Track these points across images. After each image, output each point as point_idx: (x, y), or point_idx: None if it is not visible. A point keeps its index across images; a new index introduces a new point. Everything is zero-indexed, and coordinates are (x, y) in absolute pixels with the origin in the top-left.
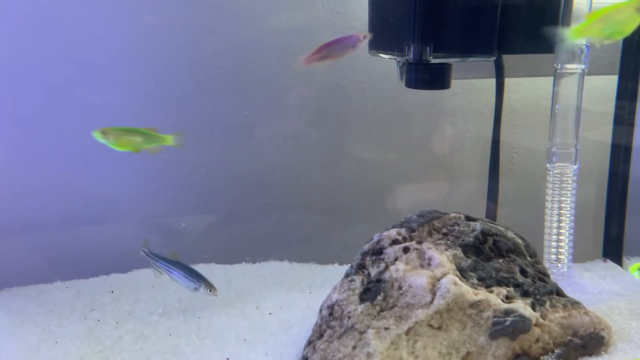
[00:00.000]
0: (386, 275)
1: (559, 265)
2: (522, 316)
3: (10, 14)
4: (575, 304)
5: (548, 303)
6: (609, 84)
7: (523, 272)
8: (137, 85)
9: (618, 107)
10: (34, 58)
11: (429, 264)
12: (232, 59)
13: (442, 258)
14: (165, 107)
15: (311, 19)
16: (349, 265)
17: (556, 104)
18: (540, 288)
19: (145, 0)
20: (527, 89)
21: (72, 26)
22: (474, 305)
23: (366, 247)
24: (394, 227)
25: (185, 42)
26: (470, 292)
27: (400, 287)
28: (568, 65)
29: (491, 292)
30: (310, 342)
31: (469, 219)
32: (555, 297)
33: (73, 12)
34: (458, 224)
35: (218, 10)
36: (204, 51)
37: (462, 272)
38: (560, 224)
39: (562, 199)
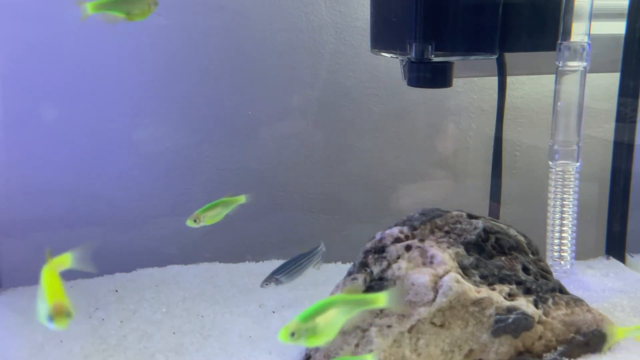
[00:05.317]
0: (389, 273)
1: (562, 262)
2: (524, 314)
3: (15, 13)
4: (577, 301)
5: (550, 300)
6: (611, 81)
7: (525, 270)
8: (143, 85)
9: (620, 105)
10: (40, 57)
11: (431, 262)
12: (235, 58)
13: (445, 256)
14: (169, 107)
15: (314, 18)
16: (352, 263)
17: (558, 101)
18: (543, 285)
19: None
20: (529, 86)
21: (78, 26)
22: (477, 302)
23: (368, 245)
24: (396, 225)
25: (188, 43)
26: (473, 290)
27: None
28: (570, 63)
29: (493, 289)
30: None
31: (471, 217)
32: (558, 294)
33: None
34: (460, 222)
35: (222, 11)
36: (206, 51)
37: (465, 270)
38: (563, 222)
39: (564, 196)
